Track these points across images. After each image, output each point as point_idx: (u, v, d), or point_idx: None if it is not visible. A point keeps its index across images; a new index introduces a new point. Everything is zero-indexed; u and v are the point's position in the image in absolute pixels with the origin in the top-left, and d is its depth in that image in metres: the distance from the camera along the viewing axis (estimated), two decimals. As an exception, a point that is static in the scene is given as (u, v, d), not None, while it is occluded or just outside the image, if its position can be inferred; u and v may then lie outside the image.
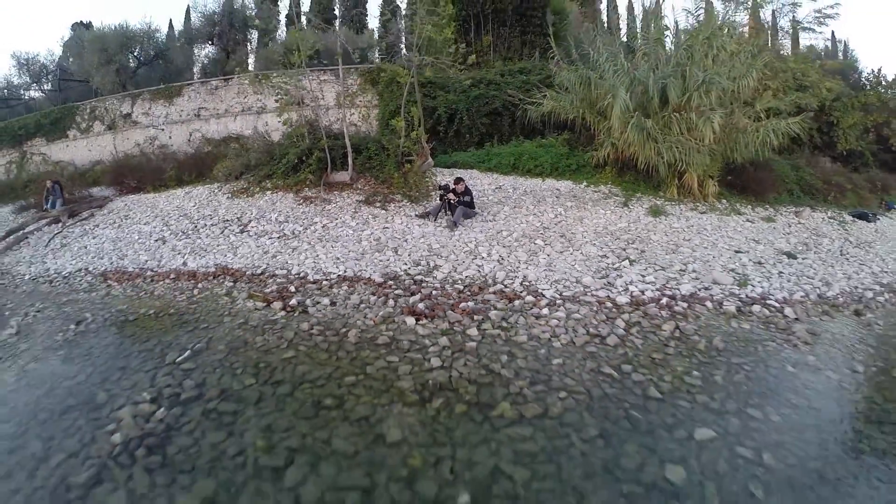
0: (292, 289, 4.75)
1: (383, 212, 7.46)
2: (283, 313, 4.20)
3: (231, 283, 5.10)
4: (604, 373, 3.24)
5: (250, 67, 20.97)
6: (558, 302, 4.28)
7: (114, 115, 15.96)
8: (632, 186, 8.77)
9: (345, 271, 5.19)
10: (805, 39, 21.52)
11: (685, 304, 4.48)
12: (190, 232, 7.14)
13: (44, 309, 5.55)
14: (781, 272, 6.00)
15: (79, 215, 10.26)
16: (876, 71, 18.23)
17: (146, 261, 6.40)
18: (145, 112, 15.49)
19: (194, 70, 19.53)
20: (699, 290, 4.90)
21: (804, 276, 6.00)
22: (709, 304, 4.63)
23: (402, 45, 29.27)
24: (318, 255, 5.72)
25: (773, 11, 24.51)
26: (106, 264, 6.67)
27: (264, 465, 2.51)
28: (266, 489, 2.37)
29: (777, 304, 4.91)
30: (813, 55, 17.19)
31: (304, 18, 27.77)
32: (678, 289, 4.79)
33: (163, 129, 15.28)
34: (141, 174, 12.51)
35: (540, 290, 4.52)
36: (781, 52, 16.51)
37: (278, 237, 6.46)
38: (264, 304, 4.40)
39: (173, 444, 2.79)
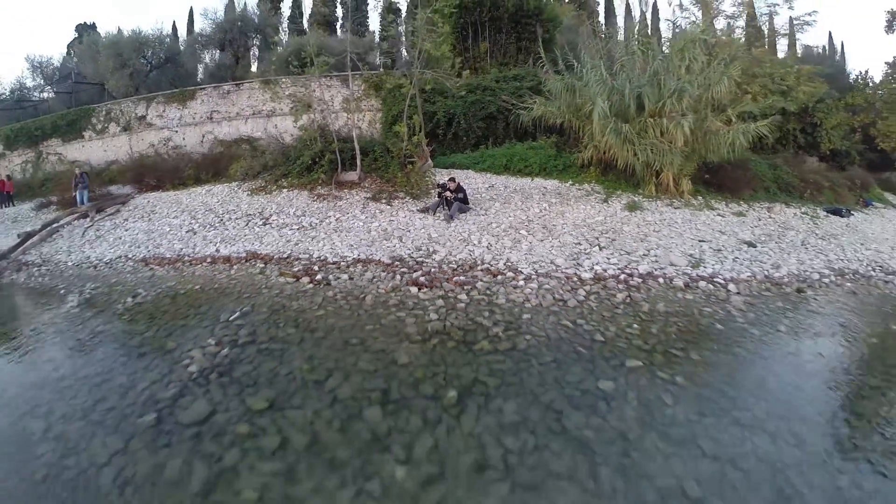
0: (316, 268, 5.82)
1: (388, 207, 8.53)
2: (311, 285, 5.25)
3: (262, 265, 6.16)
4: (562, 324, 4.29)
5: (253, 70, 22.14)
6: (533, 277, 5.34)
7: (129, 117, 17.03)
8: (613, 184, 9.83)
9: (358, 255, 6.26)
10: (803, 41, 22.65)
11: (640, 280, 5.54)
12: (217, 224, 8.21)
13: (97, 288, 6.59)
14: (737, 258, 7.04)
15: (104, 211, 11.33)
16: (863, 73, 19.28)
17: (181, 248, 7.47)
18: (159, 114, 16.57)
19: (201, 73, 20.65)
20: (655, 269, 5.95)
21: (757, 260, 7.02)
22: (661, 280, 5.68)
23: (403, 48, 30.44)
24: (334, 243, 6.79)
25: (770, 13, 25.59)
26: (143, 252, 7.73)
27: (309, 379, 3.56)
28: (312, 393, 3.42)
29: (723, 282, 5.96)
30: (795, 60, 18.18)
31: (306, 24, 28.84)
32: (637, 268, 5.84)
33: (176, 131, 16.36)
34: (159, 173, 13.58)
35: (519, 269, 5.58)
36: (769, 57, 17.51)
37: (297, 228, 7.52)
38: (294, 279, 5.46)
39: (238, 370, 3.84)
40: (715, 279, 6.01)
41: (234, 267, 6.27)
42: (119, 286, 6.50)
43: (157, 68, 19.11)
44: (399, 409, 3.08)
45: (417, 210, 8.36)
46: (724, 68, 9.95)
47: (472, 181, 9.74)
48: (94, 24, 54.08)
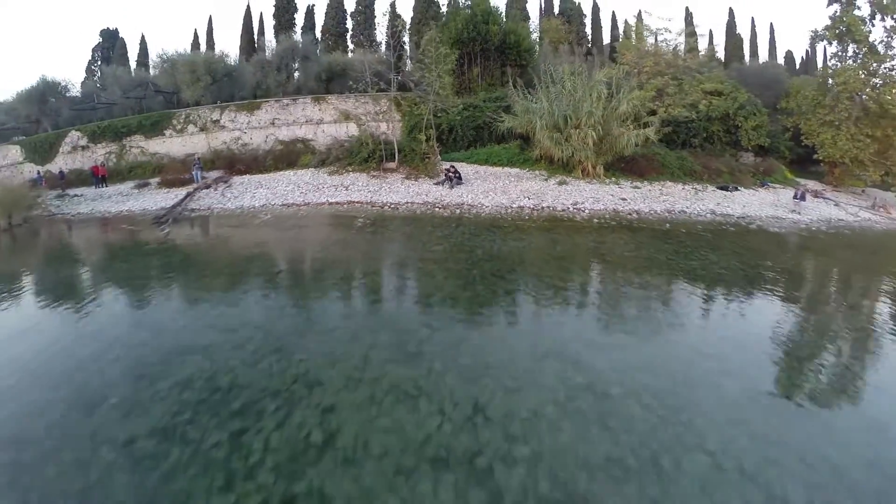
0: (386, 206, 12.92)
1: (416, 182, 15.66)
2: (389, 210, 12.33)
3: (358, 205, 13.23)
4: (494, 224, 11.44)
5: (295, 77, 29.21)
6: (491, 208, 12.48)
7: (205, 120, 24.03)
8: (553, 171, 17.03)
9: (406, 200, 13.36)
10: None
11: (541, 210, 12.70)
12: (316, 189, 15.28)
13: (268, 216, 13.56)
14: (605, 203, 14.17)
15: (218, 184, 18.28)
16: (805, 79, 25.43)
17: (302, 199, 14.50)
18: (231, 119, 23.61)
19: (257, 87, 27.57)
20: (552, 206, 13.12)
21: (618, 205, 14.15)
22: (551, 209, 12.85)
23: (408, 59, 37.84)
24: (391, 196, 13.92)
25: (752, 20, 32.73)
26: (278, 201, 14.73)
27: (407, 230, 10.65)
28: (416, 231, 10.49)
29: (584, 210, 13.11)
30: (726, 75, 24.93)
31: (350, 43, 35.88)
32: (542, 206, 13.02)
33: (245, 132, 23.39)
34: (243, 162, 20.60)
35: (484, 205, 12.74)
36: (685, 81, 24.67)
37: (367, 191, 14.62)
38: (379, 208, 12.53)
39: (378, 228, 10.89)
40: (580, 208, 13.17)
41: (345, 206, 13.33)
42: (285, 215, 13.44)
43: (217, 82, 26.07)
44: (438, 229, 10.17)
45: (433, 183, 15.49)
46: (626, 94, 17.11)
47: (465, 169, 16.90)
48: (116, 29, 61.69)
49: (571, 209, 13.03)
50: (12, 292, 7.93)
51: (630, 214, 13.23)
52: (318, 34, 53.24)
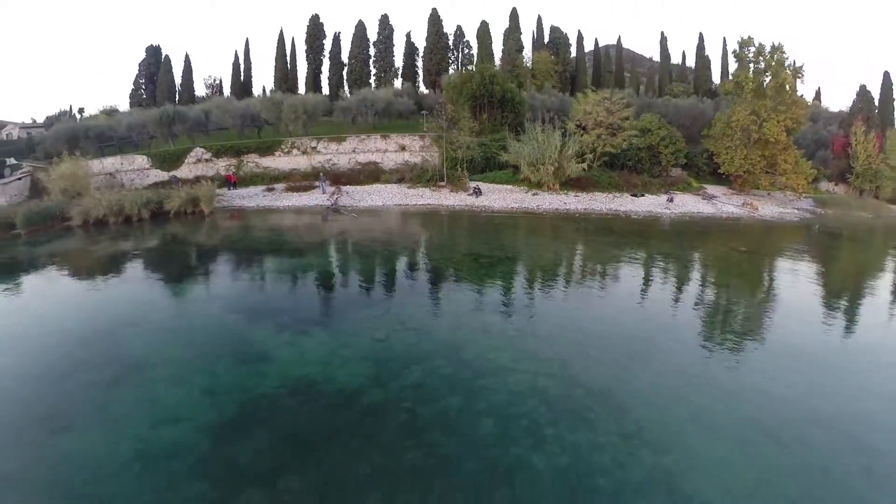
0: (447, 207, 28.84)
1: (457, 194, 32.08)
2: (462, 208, 28.30)
3: (434, 207, 29.13)
4: (499, 215, 27.50)
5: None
6: (497, 208, 28.55)
7: (306, 146, 39.79)
8: (531, 187, 33.59)
9: (458, 204, 29.31)
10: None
11: (523, 209, 28.86)
12: (405, 196, 31.22)
13: (393, 209, 29.43)
14: (556, 206, 30.45)
15: (340, 190, 34.04)
16: (720, 114, 41.85)
17: (402, 202, 30.43)
18: (325, 147, 39.45)
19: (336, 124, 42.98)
20: (528, 207, 29.29)
21: (559, 205, 30.41)
22: (528, 209, 29.01)
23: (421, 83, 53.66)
24: (448, 202, 29.91)
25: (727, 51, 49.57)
26: (389, 203, 30.67)
27: (464, 225, 26.68)
28: (486, 225, 26.47)
29: (544, 209, 29.31)
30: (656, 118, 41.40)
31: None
32: (524, 207, 29.18)
33: (334, 156, 39.19)
34: (342, 178, 36.32)
35: (494, 207, 28.83)
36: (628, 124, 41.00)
37: (432, 199, 30.53)
38: (448, 209, 28.46)
39: (453, 219, 26.88)
40: (542, 208, 29.40)
41: (424, 207, 29.31)
42: (396, 211, 29.26)
43: (311, 118, 41.46)
44: (474, 217, 26.18)
45: (467, 194, 31.52)
46: (572, 142, 33.40)
47: (482, 186, 32.83)
48: (158, 45, 77.56)
49: (537, 209, 29.13)
50: (272, 247, 23.51)
51: (568, 211, 29.41)
52: (346, 58, 69.29)
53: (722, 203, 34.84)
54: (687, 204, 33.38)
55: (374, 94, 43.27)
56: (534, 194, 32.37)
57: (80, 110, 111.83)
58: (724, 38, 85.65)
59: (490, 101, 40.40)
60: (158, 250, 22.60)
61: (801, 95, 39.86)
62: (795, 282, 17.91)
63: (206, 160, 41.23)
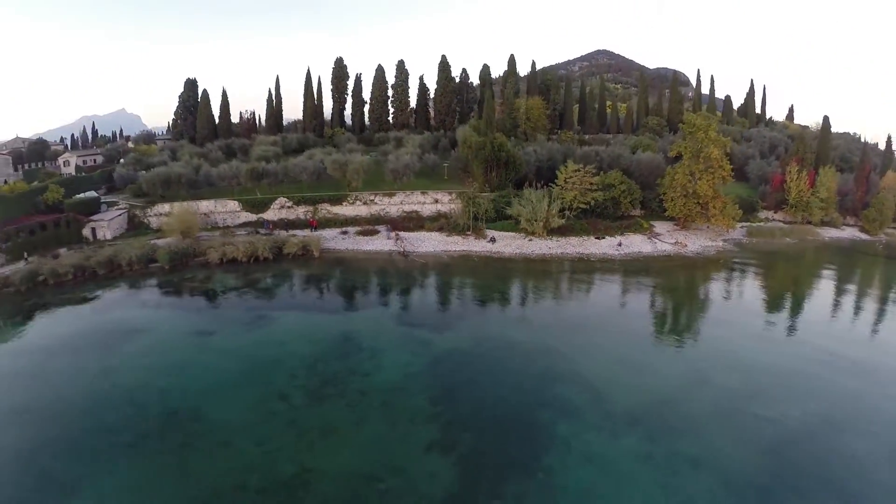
0: (477, 252, 47.95)
1: (479, 241, 50.45)
2: (486, 253, 47.41)
3: (467, 253, 48.16)
4: (507, 258, 46.83)
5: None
6: (506, 253, 47.75)
7: (366, 199, 58.31)
8: (528, 234, 52.64)
9: (485, 250, 48.34)
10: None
11: (522, 253, 48.19)
12: (445, 244, 50.06)
13: (442, 256, 48.47)
14: (542, 250, 49.88)
15: (399, 234, 52.97)
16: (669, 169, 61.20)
17: (444, 249, 49.28)
18: (380, 199, 58.06)
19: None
20: (524, 252, 48.60)
21: (545, 250, 49.87)
22: (524, 254, 48.33)
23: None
24: (475, 248, 48.86)
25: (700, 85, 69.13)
26: (437, 249, 49.39)
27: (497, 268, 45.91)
28: (522, 267, 45.72)
29: (535, 254, 48.73)
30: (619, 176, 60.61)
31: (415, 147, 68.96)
32: (522, 251, 48.52)
33: (385, 207, 57.88)
34: (396, 224, 55.23)
35: (505, 252, 48.02)
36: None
37: (465, 246, 49.51)
38: (476, 258, 47.53)
39: (495, 259, 46.13)
40: (533, 253, 48.69)
41: (459, 253, 48.20)
42: (443, 255, 48.20)
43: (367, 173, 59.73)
44: (490, 262, 45.44)
45: (486, 241, 50.38)
46: (553, 202, 52.70)
47: (495, 234, 51.77)
48: (195, 79, 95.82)
49: (531, 254, 48.15)
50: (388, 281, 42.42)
51: (550, 255, 48.67)
52: (367, 96, 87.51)
53: (660, 242, 54.38)
54: (634, 244, 52.39)
55: (410, 158, 61.36)
56: (529, 240, 50.79)
57: (127, 138, 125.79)
58: (698, 70, 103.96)
59: (497, 163, 59.08)
60: (315, 278, 40.60)
61: (728, 160, 58.37)
62: (663, 303, 37.75)
63: (289, 207, 59.34)
